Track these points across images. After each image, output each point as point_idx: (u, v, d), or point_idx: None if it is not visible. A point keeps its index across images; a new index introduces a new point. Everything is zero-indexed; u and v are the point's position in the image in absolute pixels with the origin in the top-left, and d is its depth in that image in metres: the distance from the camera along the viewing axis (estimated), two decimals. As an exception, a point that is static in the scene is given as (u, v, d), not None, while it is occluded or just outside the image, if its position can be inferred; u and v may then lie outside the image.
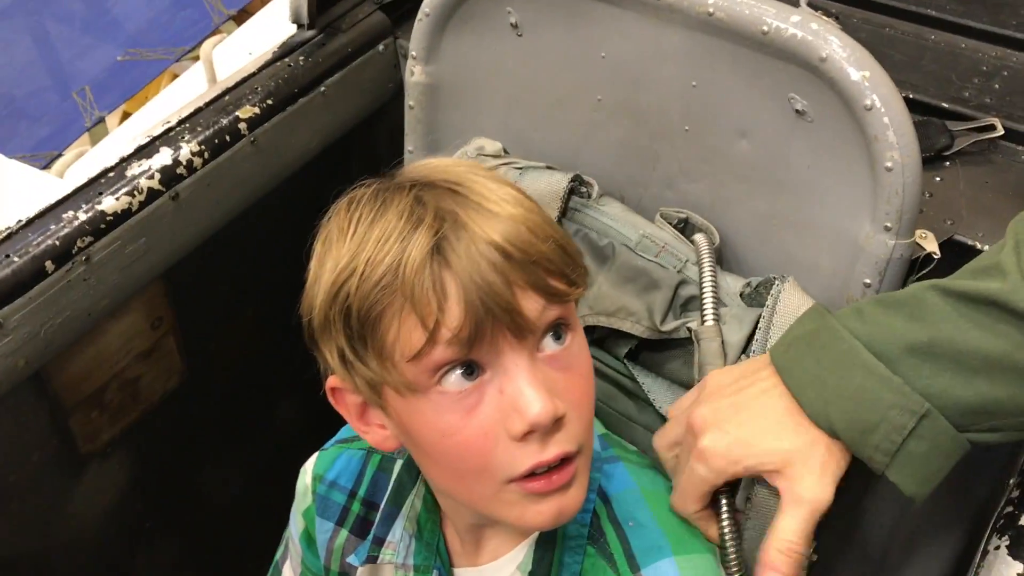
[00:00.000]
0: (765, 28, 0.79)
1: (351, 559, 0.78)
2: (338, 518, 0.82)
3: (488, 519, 0.70)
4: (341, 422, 1.25)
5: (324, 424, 1.34)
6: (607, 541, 0.71)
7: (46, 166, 1.39)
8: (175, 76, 1.58)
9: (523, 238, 0.61)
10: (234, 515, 1.34)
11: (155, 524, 1.22)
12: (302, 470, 0.86)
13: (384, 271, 0.60)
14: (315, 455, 0.86)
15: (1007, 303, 0.63)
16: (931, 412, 0.64)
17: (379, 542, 0.78)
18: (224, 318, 1.22)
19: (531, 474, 0.63)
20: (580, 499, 0.65)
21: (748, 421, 0.69)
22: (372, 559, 0.77)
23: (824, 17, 0.79)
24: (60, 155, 1.43)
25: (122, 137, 1.30)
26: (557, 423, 0.62)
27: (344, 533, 0.82)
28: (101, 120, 1.52)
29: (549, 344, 0.63)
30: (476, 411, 0.62)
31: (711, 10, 0.82)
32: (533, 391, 0.61)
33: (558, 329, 0.64)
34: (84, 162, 1.36)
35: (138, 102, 1.54)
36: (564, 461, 0.63)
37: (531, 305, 0.61)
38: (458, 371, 0.61)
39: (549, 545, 0.71)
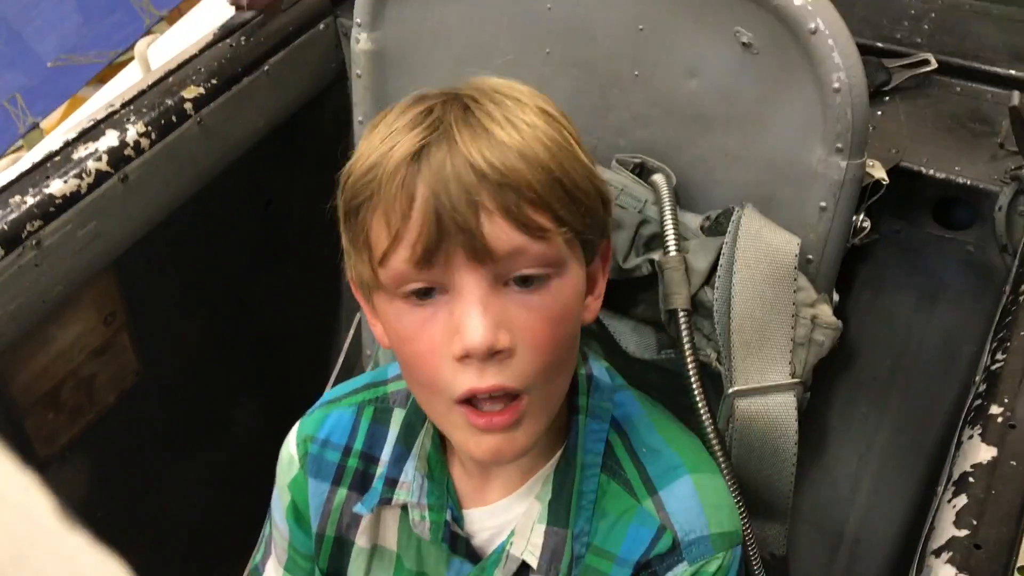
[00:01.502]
0: (708, -37, 0.81)
1: (358, 508, 0.76)
2: (334, 476, 0.80)
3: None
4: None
5: (286, 421, 1.33)
6: (623, 468, 0.72)
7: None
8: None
9: (507, 161, 0.60)
10: (199, 519, 1.31)
11: (117, 530, 1.18)
12: (285, 442, 0.84)
13: (369, 166, 0.61)
14: (297, 423, 0.84)
15: None
16: None
17: (391, 484, 0.76)
18: (177, 311, 1.19)
19: (472, 404, 0.63)
20: (525, 443, 0.64)
21: None
22: (386, 501, 0.75)
23: (763, -52, 0.81)
24: (-6, 163, 1.39)
25: (55, 141, 1.28)
26: (499, 355, 0.61)
27: (342, 492, 0.79)
28: (35, 126, 1.49)
29: (515, 283, 0.62)
30: (427, 325, 0.62)
31: (653, -50, 0.83)
32: (477, 319, 0.60)
33: (529, 274, 0.62)
34: (20, 165, 1.33)
35: (72, 107, 1.52)
36: (511, 400, 0.63)
37: (496, 231, 0.60)
38: (414, 294, 0.62)
39: (567, 474, 0.71)
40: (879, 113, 1.00)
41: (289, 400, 1.38)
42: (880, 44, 1.08)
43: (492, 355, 0.61)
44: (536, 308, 0.63)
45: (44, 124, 1.53)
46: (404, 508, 0.76)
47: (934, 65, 1.03)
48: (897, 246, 1.01)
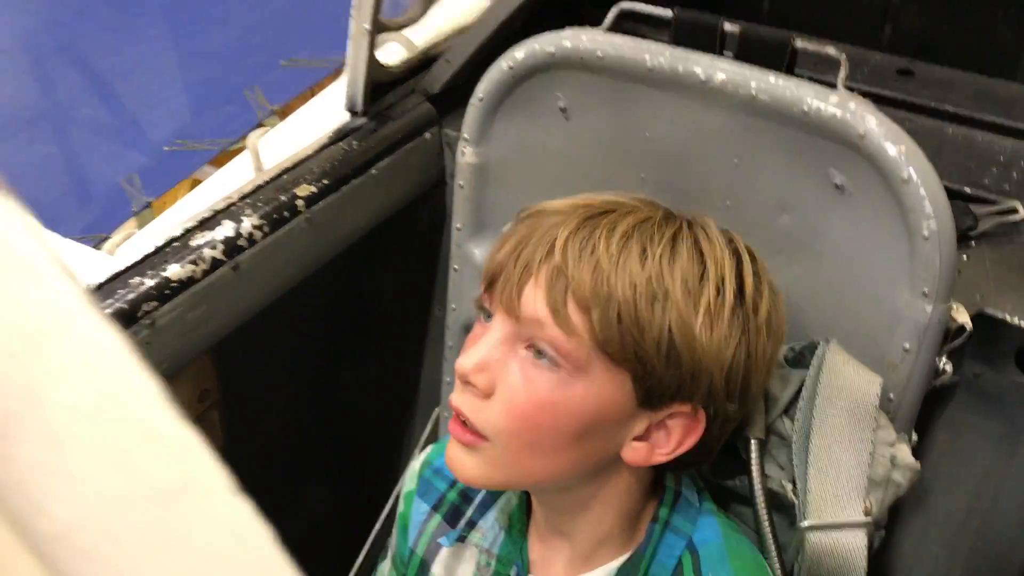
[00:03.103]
0: (806, 108, 0.85)
1: (442, 540, 0.85)
2: (435, 503, 0.89)
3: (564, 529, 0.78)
4: (371, 510, 1.30)
5: (358, 505, 1.36)
6: None
7: (96, 246, 1.44)
8: (197, 182, 1.65)
9: (583, 258, 0.69)
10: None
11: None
12: (417, 457, 0.95)
13: None
14: (432, 445, 0.95)
15: None
16: None
17: (471, 525, 0.85)
18: (266, 392, 1.24)
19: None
20: (475, 476, 0.73)
21: None
22: (461, 539, 0.84)
23: (860, 96, 0.85)
24: (108, 237, 1.49)
25: (170, 219, 1.36)
26: (474, 389, 0.70)
27: (437, 518, 0.88)
28: (148, 205, 1.58)
29: (532, 350, 0.70)
30: (470, 342, 0.74)
31: (754, 93, 0.88)
32: (475, 350, 0.71)
33: (541, 348, 0.69)
34: (133, 243, 1.42)
35: (185, 188, 1.61)
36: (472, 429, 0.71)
37: (530, 298, 0.70)
38: (480, 311, 0.75)
39: (633, 573, 0.74)
40: (964, 258, 1.02)
41: (363, 485, 1.42)
42: (968, 189, 1.10)
43: (468, 384, 0.71)
44: (530, 380, 0.70)
45: (155, 203, 1.62)
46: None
47: (1022, 215, 1.05)
48: (977, 390, 1.02)
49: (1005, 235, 1.05)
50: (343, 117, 1.25)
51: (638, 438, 0.72)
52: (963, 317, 0.92)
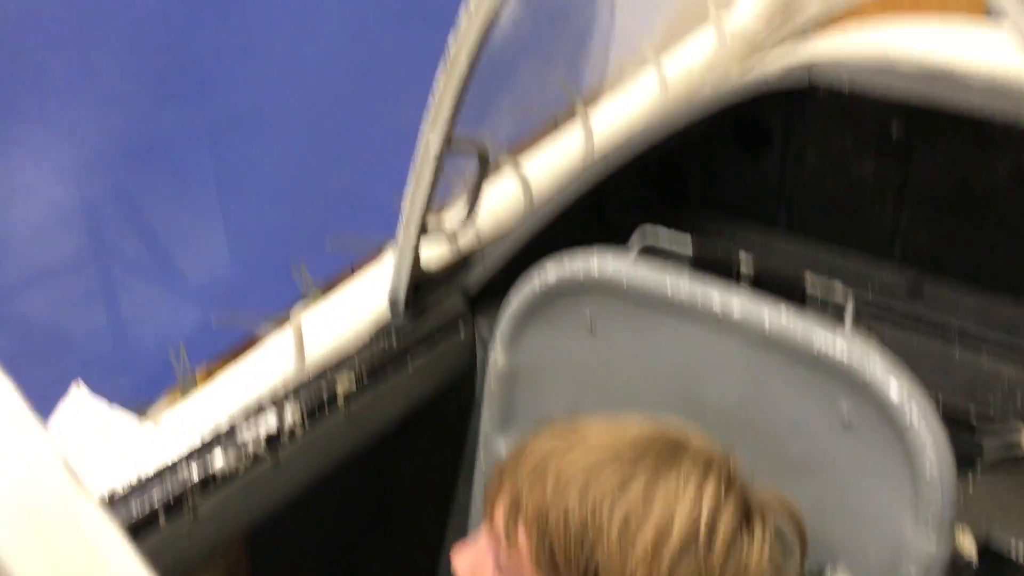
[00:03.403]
0: (815, 349, 0.92)
1: None
2: None
3: None
4: None
5: None
6: None
7: (139, 412, 1.51)
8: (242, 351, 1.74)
9: (534, 483, 0.78)
10: None
11: None
12: None
13: None
14: None
15: None
16: None
17: None
18: (294, 573, 1.28)
19: None
20: None
21: None
22: None
23: (867, 335, 0.92)
24: (153, 404, 1.56)
25: (215, 392, 1.43)
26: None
27: None
28: (192, 374, 1.66)
29: None
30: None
31: (767, 328, 0.95)
32: (464, 554, 0.84)
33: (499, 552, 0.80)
34: (178, 411, 1.49)
35: (226, 359, 1.69)
36: None
37: (499, 509, 0.81)
38: None
39: None
40: (970, 486, 1.06)
41: None
42: (972, 411, 1.15)
43: None
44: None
45: (200, 372, 1.70)
46: None
47: (1025, 447, 1.10)
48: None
49: (1010, 463, 1.10)
50: (381, 299, 1.33)
51: None
52: (969, 548, 0.96)
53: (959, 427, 1.15)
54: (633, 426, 0.84)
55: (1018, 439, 1.10)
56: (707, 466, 0.79)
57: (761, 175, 1.54)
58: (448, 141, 1.11)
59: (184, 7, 2.62)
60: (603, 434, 0.81)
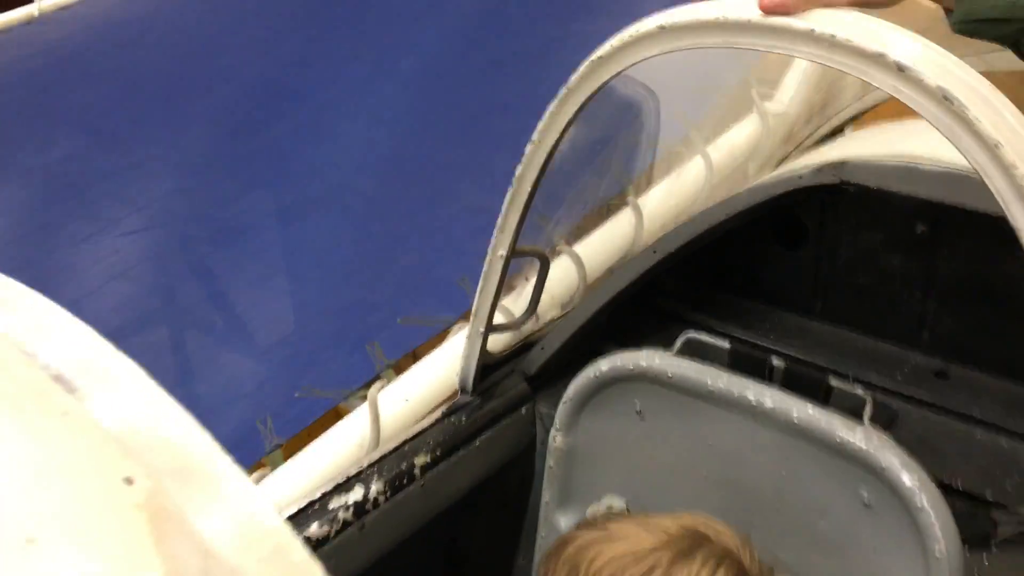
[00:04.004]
0: (838, 439, 1.05)
1: None
2: None
3: None
4: None
5: None
6: None
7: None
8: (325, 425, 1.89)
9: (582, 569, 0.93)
10: None
11: None
12: None
13: None
14: None
15: None
16: None
17: None
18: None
19: None
20: None
21: None
22: None
23: (882, 432, 1.05)
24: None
25: (299, 464, 1.57)
26: None
27: None
28: (278, 446, 1.82)
29: None
30: None
31: (796, 420, 1.08)
32: None
33: None
34: (266, 482, 1.64)
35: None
36: None
37: None
38: None
39: None
40: (985, 562, 1.17)
41: None
42: (989, 493, 1.26)
43: None
44: None
45: (284, 445, 1.86)
46: None
47: (1038, 527, 1.20)
48: None
49: (1022, 543, 1.21)
50: (451, 379, 1.49)
51: None
52: (980, 621, 1.07)
53: (976, 505, 1.27)
54: (659, 523, 0.97)
55: (1030, 522, 1.21)
56: (721, 559, 0.92)
57: (798, 266, 1.67)
58: (513, 248, 1.27)
59: (265, 94, 2.85)
60: (632, 531, 0.95)
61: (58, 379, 0.40)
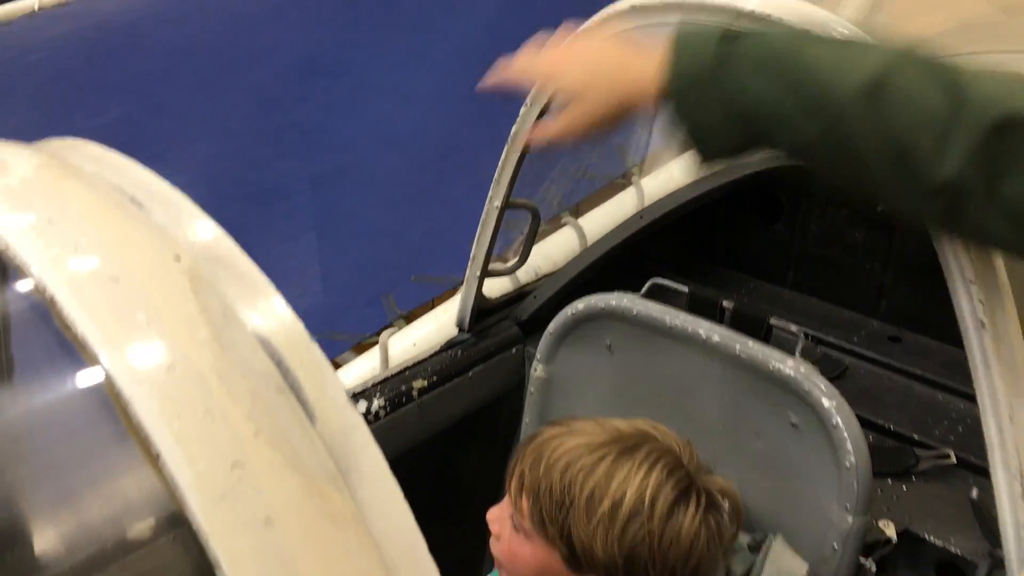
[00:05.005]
0: (771, 367, 1.21)
1: None
2: None
3: None
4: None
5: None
6: None
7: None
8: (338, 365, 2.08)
9: (543, 459, 1.05)
10: None
11: None
12: None
13: None
14: None
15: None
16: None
17: None
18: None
19: None
20: None
21: None
22: None
23: (809, 363, 1.21)
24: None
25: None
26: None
27: None
28: (296, 380, 2.01)
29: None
30: None
31: (738, 352, 1.25)
32: (494, 508, 1.12)
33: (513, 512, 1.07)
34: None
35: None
36: None
37: (513, 482, 1.08)
38: None
39: None
40: (904, 488, 1.34)
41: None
42: (916, 436, 1.43)
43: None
44: (507, 533, 1.09)
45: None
46: None
47: (953, 460, 1.36)
48: (911, 595, 1.31)
49: (939, 474, 1.37)
50: (453, 330, 1.67)
51: None
52: (891, 532, 1.23)
53: (903, 443, 1.43)
54: (614, 424, 1.12)
55: (948, 453, 1.37)
56: (659, 456, 1.05)
57: (774, 240, 1.84)
58: (507, 200, 1.44)
59: (299, 72, 3.05)
60: (588, 430, 1.10)
61: (132, 200, 0.59)
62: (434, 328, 1.88)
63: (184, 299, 0.53)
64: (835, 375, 1.58)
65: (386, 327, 2.05)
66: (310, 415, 0.53)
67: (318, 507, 0.49)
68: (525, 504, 1.06)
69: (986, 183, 0.75)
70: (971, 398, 1.56)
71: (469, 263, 1.56)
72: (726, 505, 1.09)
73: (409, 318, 2.11)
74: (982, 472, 1.37)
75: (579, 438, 1.08)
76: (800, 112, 0.80)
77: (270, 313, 0.58)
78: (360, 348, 2.11)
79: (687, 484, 1.05)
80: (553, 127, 0.95)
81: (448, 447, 1.63)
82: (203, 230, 0.60)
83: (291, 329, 0.57)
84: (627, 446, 1.07)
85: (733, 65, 0.82)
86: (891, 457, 1.39)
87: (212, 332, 0.52)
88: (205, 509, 0.47)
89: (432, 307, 2.13)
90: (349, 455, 0.53)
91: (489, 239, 1.50)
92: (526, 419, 1.48)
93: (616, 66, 0.89)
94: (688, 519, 1.03)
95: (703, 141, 0.86)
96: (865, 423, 1.19)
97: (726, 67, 0.82)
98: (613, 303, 1.37)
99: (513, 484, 1.09)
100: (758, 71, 0.81)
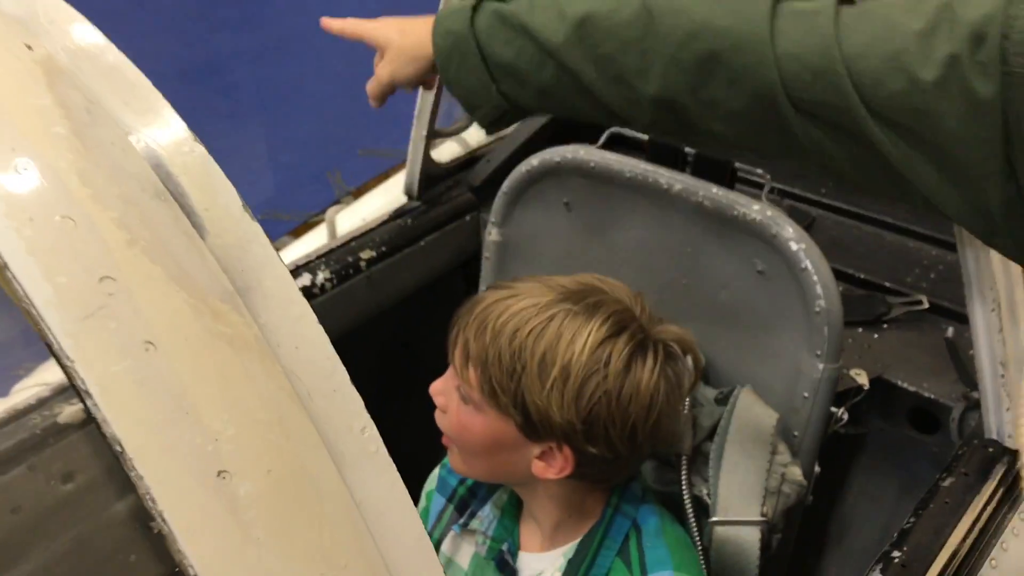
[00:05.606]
0: (736, 212, 1.15)
1: (455, 527, 1.10)
2: (449, 495, 1.15)
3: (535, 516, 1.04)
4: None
5: None
6: (630, 554, 1.01)
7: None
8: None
9: (487, 326, 0.97)
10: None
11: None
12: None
13: None
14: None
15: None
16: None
17: (473, 514, 1.10)
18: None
19: None
20: (453, 466, 1.04)
21: None
22: (465, 525, 1.09)
23: (776, 207, 1.15)
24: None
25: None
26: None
27: (450, 507, 1.14)
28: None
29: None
30: None
31: (701, 199, 1.18)
32: (438, 381, 1.03)
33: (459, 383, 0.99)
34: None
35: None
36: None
37: (458, 354, 1.00)
38: None
39: (589, 543, 1.00)
40: (875, 336, 1.29)
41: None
42: (887, 283, 1.38)
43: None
44: (455, 405, 1.01)
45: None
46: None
47: (926, 305, 1.32)
48: (882, 443, 1.28)
49: (912, 322, 1.32)
50: (403, 200, 1.58)
51: (539, 457, 0.99)
52: (863, 380, 1.19)
53: (874, 291, 1.38)
54: (559, 281, 1.03)
55: (920, 300, 1.32)
56: (610, 310, 0.98)
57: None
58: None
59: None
60: (533, 290, 1.03)
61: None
62: (384, 203, 1.80)
63: (36, 90, 0.43)
64: (801, 223, 1.51)
65: (332, 203, 1.96)
66: (198, 226, 0.45)
67: (209, 328, 0.42)
68: (473, 375, 0.98)
69: (691, 91, 0.82)
70: (944, 244, 1.52)
71: (413, 124, 1.46)
72: (683, 353, 1.03)
73: (357, 194, 2.02)
74: (956, 316, 1.33)
75: (524, 300, 1.00)
76: (533, 65, 0.89)
77: (155, 119, 0.49)
78: (305, 228, 2.02)
79: (641, 337, 0.99)
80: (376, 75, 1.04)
81: (401, 321, 1.56)
82: (82, 34, 0.50)
83: (175, 132, 0.48)
84: (575, 303, 0.99)
85: (481, 34, 0.91)
86: (862, 305, 1.35)
87: (71, 128, 0.43)
88: (67, 330, 0.39)
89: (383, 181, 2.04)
90: (248, 272, 0.45)
91: (434, 96, 1.40)
92: (483, 287, 1.41)
93: (409, 33, 0.99)
94: (646, 372, 0.97)
95: (474, 106, 0.97)
96: (835, 274, 1.13)
97: (475, 36, 0.91)
98: (569, 156, 1.28)
99: (457, 354, 1.01)
100: (495, 35, 0.91)
